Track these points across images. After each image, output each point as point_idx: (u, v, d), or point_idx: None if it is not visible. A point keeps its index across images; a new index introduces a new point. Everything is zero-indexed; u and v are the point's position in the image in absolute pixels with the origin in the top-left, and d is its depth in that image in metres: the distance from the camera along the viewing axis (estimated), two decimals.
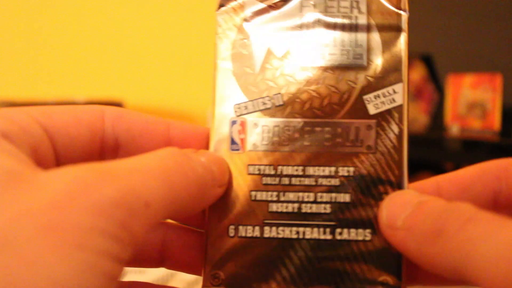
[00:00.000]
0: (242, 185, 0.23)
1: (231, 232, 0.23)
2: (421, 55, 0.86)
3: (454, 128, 0.81)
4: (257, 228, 0.22)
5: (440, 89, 0.84)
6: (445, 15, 0.84)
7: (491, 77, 0.78)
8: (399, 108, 0.23)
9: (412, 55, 0.92)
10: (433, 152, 0.79)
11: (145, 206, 0.17)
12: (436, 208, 0.18)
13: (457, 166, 0.86)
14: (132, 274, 0.33)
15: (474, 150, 0.70)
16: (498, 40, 0.78)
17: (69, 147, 0.21)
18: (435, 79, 0.86)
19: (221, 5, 0.25)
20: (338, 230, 0.22)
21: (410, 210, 0.19)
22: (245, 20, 0.24)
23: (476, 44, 0.80)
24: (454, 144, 0.76)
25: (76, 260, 0.15)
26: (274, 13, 0.24)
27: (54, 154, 0.21)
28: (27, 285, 0.15)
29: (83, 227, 0.16)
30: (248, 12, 0.25)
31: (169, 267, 0.23)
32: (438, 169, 0.86)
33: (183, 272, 0.24)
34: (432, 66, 0.86)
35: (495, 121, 0.77)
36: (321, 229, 0.22)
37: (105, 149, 0.22)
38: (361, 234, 0.22)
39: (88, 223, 0.16)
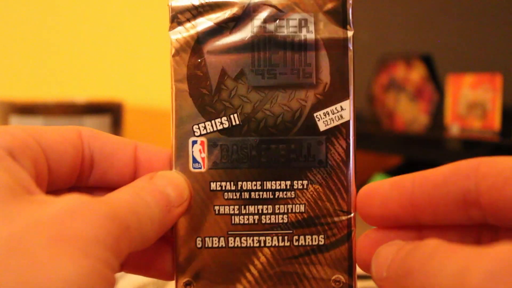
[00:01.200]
0: (206, 200, 0.24)
1: (199, 243, 0.24)
2: (421, 55, 0.86)
3: (454, 128, 0.81)
4: (222, 239, 0.24)
5: (440, 89, 0.84)
6: (445, 15, 0.84)
7: (491, 77, 0.78)
8: (346, 124, 0.24)
9: (412, 55, 0.92)
10: (433, 152, 0.79)
11: (126, 228, 0.20)
12: (406, 251, 0.20)
13: None
14: None
15: (474, 150, 0.70)
16: (498, 40, 0.78)
17: (58, 162, 0.23)
18: (435, 79, 0.86)
19: (173, 22, 0.27)
20: (295, 237, 0.24)
21: (390, 259, 0.21)
22: (198, 41, 0.26)
23: (476, 44, 0.80)
24: (454, 144, 0.76)
25: (84, 265, 0.17)
26: (226, 34, 0.25)
27: (48, 168, 0.23)
28: (40, 283, 0.16)
29: (87, 238, 0.18)
30: (200, 32, 0.26)
31: (130, 270, 0.26)
32: (441, 166, 0.86)
33: (145, 275, 0.26)
34: (432, 66, 0.86)
35: (495, 121, 0.77)
36: (280, 237, 0.24)
37: (84, 165, 0.24)
38: (316, 240, 0.24)
39: (91, 234, 0.18)
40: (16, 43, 1.01)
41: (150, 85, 1.06)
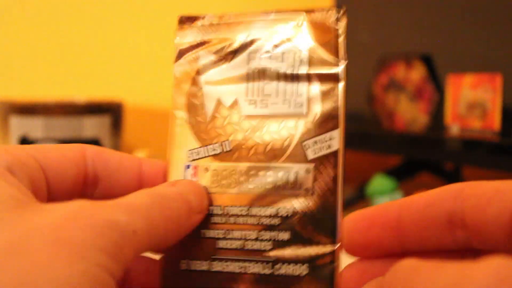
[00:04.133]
0: None
1: (183, 265, 0.25)
2: (421, 55, 0.86)
3: (454, 128, 0.81)
4: (206, 262, 0.24)
5: (440, 89, 0.84)
6: (445, 15, 0.84)
7: (491, 77, 0.78)
8: (335, 153, 0.24)
9: (412, 55, 0.92)
10: (433, 152, 0.79)
11: (133, 233, 0.20)
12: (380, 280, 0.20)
13: (457, 166, 0.86)
14: None
15: (474, 150, 0.70)
16: (498, 40, 0.78)
17: (58, 180, 0.23)
18: (435, 79, 0.86)
19: (178, 57, 0.27)
20: (277, 265, 0.24)
21: None
22: (198, 72, 0.26)
23: (476, 44, 0.80)
24: (454, 144, 0.76)
25: (80, 268, 0.17)
26: (224, 66, 0.26)
27: (46, 186, 0.23)
28: (37, 282, 0.16)
29: (85, 243, 0.18)
30: (201, 64, 0.26)
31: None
32: (438, 169, 0.86)
33: None
34: (432, 66, 0.86)
35: (495, 121, 0.77)
36: (262, 264, 0.24)
37: (87, 182, 0.25)
38: (298, 269, 0.23)
39: (89, 240, 0.18)
40: (16, 43, 1.01)
41: (150, 85, 1.06)
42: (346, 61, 0.24)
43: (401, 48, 0.90)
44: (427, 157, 0.82)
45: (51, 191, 0.23)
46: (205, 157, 0.25)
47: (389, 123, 0.87)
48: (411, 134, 0.84)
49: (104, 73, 1.05)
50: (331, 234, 0.23)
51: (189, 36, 0.27)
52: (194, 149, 0.26)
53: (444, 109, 0.83)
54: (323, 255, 0.23)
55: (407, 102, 0.89)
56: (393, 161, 0.91)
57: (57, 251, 0.17)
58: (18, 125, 0.78)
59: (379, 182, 0.79)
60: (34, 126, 0.78)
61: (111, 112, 0.84)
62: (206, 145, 0.26)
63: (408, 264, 0.18)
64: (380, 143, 0.87)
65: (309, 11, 0.25)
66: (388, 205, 0.23)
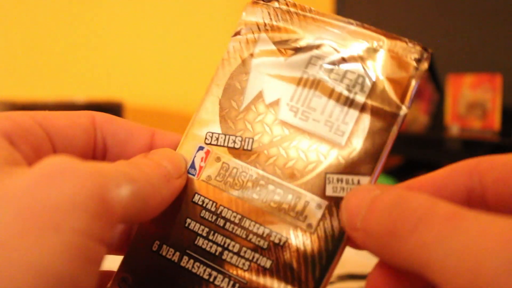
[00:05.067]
0: (182, 209, 0.23)
1: (155, 246, 0.23)
2: None
3: (454, 128, 0.81)
4: (177, 254, 0.22)
5: (440, 89, 0.84)
6: (445, 15, 0.84)
7: (491, 77, 0.78)
8: None
9: None
10: (433, 152, 0.79)
11: (116, 186, 0.17)
12: (387, 204, 0.18)
13: None
14: None
15: (474, 150, 0.70)
16: (498, 40, 0.78)
17: (67, 147, 0.22)
18: (435, 79, 0.86)
19: (237, 33, 0.24)
20: None
21: (365, 208, 0.19)
22: (252, 55, 0.24)
23: (476, 44, 0.80)
24: (454, 144, 0.76)
25: (53, 243, 0.15)
26: (280, 59, 0.23)
27: (54, 152, 0.21)
28: (3, 271, 0.14)
29: (61, 206, 0.15)
30: (258, 49, 0.24)
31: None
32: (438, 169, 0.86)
33: None
34: (432, 66, 0.86)
35: (495, 121, 0.77)
36: (231, 282, 0.22)
37: (96, 151, 0.23)
38: None
39: (67, 201, 0.15)
40: (16, 43, 1.01)
41: (150, 85, 1.06)
42: (409, 109, 0.22)
43: None
44: (427, 157, 0.81)
45: None
46: (222, 146, 0.23)
47: None
48: (411, 134, 0.84)
49: (104, 73, 1.05)
50: (316, 282, 0.21)
51: (258, 15, 0.24)
52: (215, 133, 0.23)
53: (444, 109, 0.83)
54: None
55: None
56: (393, 161, 0.91)
57: (27, 223, 0.15)
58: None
59: (379, 182, 0.79)
60: None
61: (111, 112, 0.84)
62: (228, 134, 0.23)
63: (416, 208, 0.17)
64: None
65: (392, 37, 0.22)
66: (392, 188, 0.20)
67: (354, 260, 0.38)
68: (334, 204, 0.21)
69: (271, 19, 0.24)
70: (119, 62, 1.05)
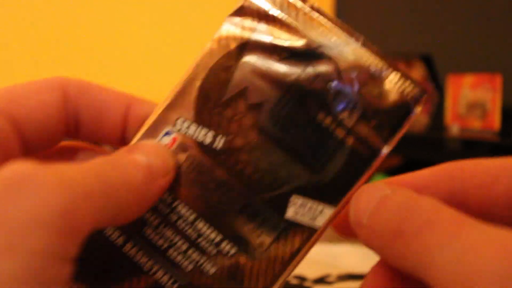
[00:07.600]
0: None
1: None
2: (421, 55, 0.86)
3: (454, 128, 0.81)
4: (121, 238, 0.21)
5: (440, 89, 0.84)
6: (445, 15, 0.84)
7: (491, 77, 0.79)
8: (312, 231, 0.21)
9: (412, 55, 0.92)
10: (433, 152, 0.79)
11: (87, 194, 0.15)
12: (396, 204, 0.18)
13: None
14: None
15: (474, 150, 0.70)
16: (498, 40, 0.78)
17: (37, 131, 0.20)
18: (435, 79, 0.86)
19: (235, 14, 0.22)
20: None
21: (374, 206, 0.18)
22: (245, 45, 0.22)
23: (476, 44, 0.80)
24: (454, 144, 0.76)
25: (5, 267, 0.13)
26: (274, 59, 0.22)
27: (21, 144, 0.20)
28: None
29: (19, 224, 0.14)
30: (253, 39, 0.22)
31: None
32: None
33: None
34: (432, 66, 0.86)
35: (495, 121, 0.77)
36: (170, 281, 0.21)
37: (69, 128, 0.22)
38: None
39: (26, 218, 0.14)
40: (16, 44, 1.01)
41: (150, 85, 1.06)
42: (391, 149, 0.21)
43: (401, 48, 0.89)
44: (427, 157, 0.81)
45: (29, 145, 0.20)
46: (191, 137, 0.21)
47: None
48: (411, 134, 0.85)
49: (105, 73, 1.05)
50: None
51: (262, 1, 0.22)
52: (186, 120, 0.22)
53: (444, 109, 0.83)
54: None
55: None
56: (393, 161, 0.91)
57: None
58: None
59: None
60: None
61: None
62: (201, 126, 0.21)
63: (424, 210, 0.17)
64: None
65: (396, 69, 0.21)
66: (402, 189, 0.20)
67: (354, 260, 0.38)
68: (290, 228, 0.20)
69: (275, 10, 0.22)
70: (120, 62, 1.05)
